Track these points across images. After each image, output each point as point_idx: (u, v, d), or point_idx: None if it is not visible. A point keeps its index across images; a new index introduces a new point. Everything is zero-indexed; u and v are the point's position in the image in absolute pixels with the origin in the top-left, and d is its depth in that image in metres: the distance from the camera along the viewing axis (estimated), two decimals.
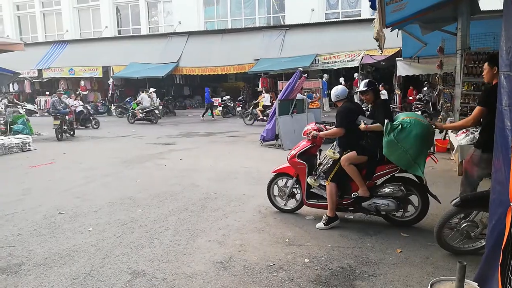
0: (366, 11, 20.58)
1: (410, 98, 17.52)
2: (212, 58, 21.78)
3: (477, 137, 4.27)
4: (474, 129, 6.76)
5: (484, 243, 3.63)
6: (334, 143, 4.73)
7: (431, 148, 4.29)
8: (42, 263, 3.72)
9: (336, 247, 3.93)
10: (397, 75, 16.10)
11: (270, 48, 21.23)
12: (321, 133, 4.66)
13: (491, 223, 2.35)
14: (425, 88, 16.13)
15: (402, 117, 4.18)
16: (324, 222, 4.47)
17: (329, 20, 21.89)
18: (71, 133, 13.39)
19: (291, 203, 5.07)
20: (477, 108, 3.83)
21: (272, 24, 23.26)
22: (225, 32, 23.21)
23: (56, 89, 16.91)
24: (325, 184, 4.54)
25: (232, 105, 20.92)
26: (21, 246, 4.15)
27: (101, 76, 24.17)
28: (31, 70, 24.75)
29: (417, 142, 3.98)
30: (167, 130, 15.25)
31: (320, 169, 4.77)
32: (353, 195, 4.45)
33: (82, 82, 24.75)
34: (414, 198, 4.42)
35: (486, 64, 3.95)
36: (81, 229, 4.61)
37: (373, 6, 5.03)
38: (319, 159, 4.96)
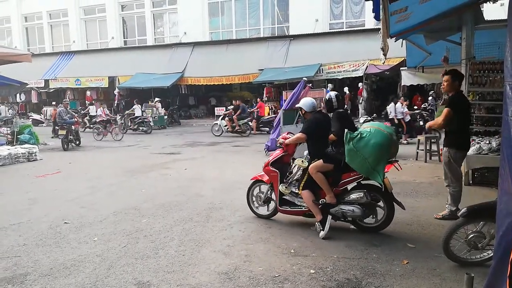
0: (370, 21, 20.66)
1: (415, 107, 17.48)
2: (217, 68, 21.93)
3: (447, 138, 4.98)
4: (480, 138, 6.75)
5: (492, 254, 3.59)
6: (305, 152, 4.95)
7: (395, 156, 4.54)
8: (48, 273, 3.72)
9: (341, 258, 3.90)
10: (402, 84, 16.11)
11: (274, 58, 21.35)
12: (286, 140, 4.95)
13: (499, 234, 2.32)
14: (430, 98, 16.09)
15: (365, 126, 4.46)
16: (320, 228, 4.53)
17: (333, 30, 22.01)
18: (77, 142, 13.48)
19: (268, 209, 5.28)
20: (447, 109, 4.66)
21: (276, 35, 23.43)
22: (230, 43, 23.41)
23: (63, 99, 17.07)
24: (297, 191, 4.80)
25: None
26: (27, 256, 4.16)
27: (107, 86, 24.41)
28: (38, 80, 25.05)
29: (375, 150, 4.19)
30: (172, 139, 15.31)
31: (290, 177, 4.97)
32: (321, 201, 4.61)
33: (88, 92, 25.01)
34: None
35: (449, 77, 4.82)
36: (86, 239, 4.61)
37: (376, 17, 5.05)
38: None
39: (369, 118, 10.77)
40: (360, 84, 18.88)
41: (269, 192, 5.14)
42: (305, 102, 4.93)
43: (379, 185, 4.40)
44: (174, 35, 25.82)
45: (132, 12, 26.88)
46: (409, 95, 17.76)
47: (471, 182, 6.69)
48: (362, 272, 3.60)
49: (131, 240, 4.54)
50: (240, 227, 4.90)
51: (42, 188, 7.45)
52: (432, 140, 9.22)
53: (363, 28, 20.94)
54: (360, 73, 18.88)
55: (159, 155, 11.19)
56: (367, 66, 18.72)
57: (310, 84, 13.41)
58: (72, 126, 13.15)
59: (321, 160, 4.55)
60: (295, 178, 4.93)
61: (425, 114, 14.93)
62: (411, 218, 5.06)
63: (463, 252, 3.63)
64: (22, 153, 10.59)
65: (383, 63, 12.99)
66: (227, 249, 4.20)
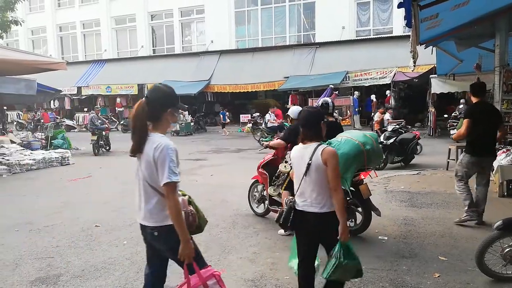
0: (398, 28, 20.34)
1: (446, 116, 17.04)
2: (242, 76, 22.11)
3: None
4: None
5: None
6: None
7: (373, 163, 4.62)
8: (79, 274, 3.84)
9: (370, 269, 3.83)
10: (431, 92, 15.73)
11: (300, 65, 21.32)
12: (269, 143, 5.31)
13: None
14: (461, 106, 15.66)
15: (340, 135, 4.54)
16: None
17: (360, 38, 21.79)
18: (107, 148, 13.85)
19: (263, 207, 5.61)
20: (466, 120, 4.89)
21: (302, 42, 23.42)
22: (256, 51, 23.57)
23: (94, 106, 17.60)
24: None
25: (261, 121, 21.06)
26: (60, 257, 4.30)
27: (136, 93, 25.01)
28: (71, 87, 25.95)
29: (342, 159, 4.23)
30: (198, 146, 15.51)
31: (277, 180, 5.13)
32: None
33: (118, 99, 25.73)
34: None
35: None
36: (116, 242, 4.72)
37: (408, 24, 4.97)
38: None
39: (397, 126, 10.56)
40: (387, 92, 18.56)
41: (263, 192, 5.53)
42: (292, 111, 5.28)
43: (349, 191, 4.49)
44: (201, 43, 26.26)
45: (161, 22, 27.54)
46: (439, 103, 17.34)
47: (505, 193, 6.44)
48: (391, 284, 3.52)
49: None
50: (266, 235, 4.89)
51: (74, 191, 7.69)
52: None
53: (390, 35, 20.63)
54: (387, 81, 18.57)
55: (186, 161, 11.33)
56: (395, 74, 18.40)
57: (337, 92, 13.34)
58: (103, 132, 13.54)
59: None
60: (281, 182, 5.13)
61: (455, 123, 14.53)
62: (443, 229, 4.92)
63: (498, 266, 3.50)
64: (55, 157, 10.99)
65: (413, 70, 12.77)
66: (253, 256, 4.21)
